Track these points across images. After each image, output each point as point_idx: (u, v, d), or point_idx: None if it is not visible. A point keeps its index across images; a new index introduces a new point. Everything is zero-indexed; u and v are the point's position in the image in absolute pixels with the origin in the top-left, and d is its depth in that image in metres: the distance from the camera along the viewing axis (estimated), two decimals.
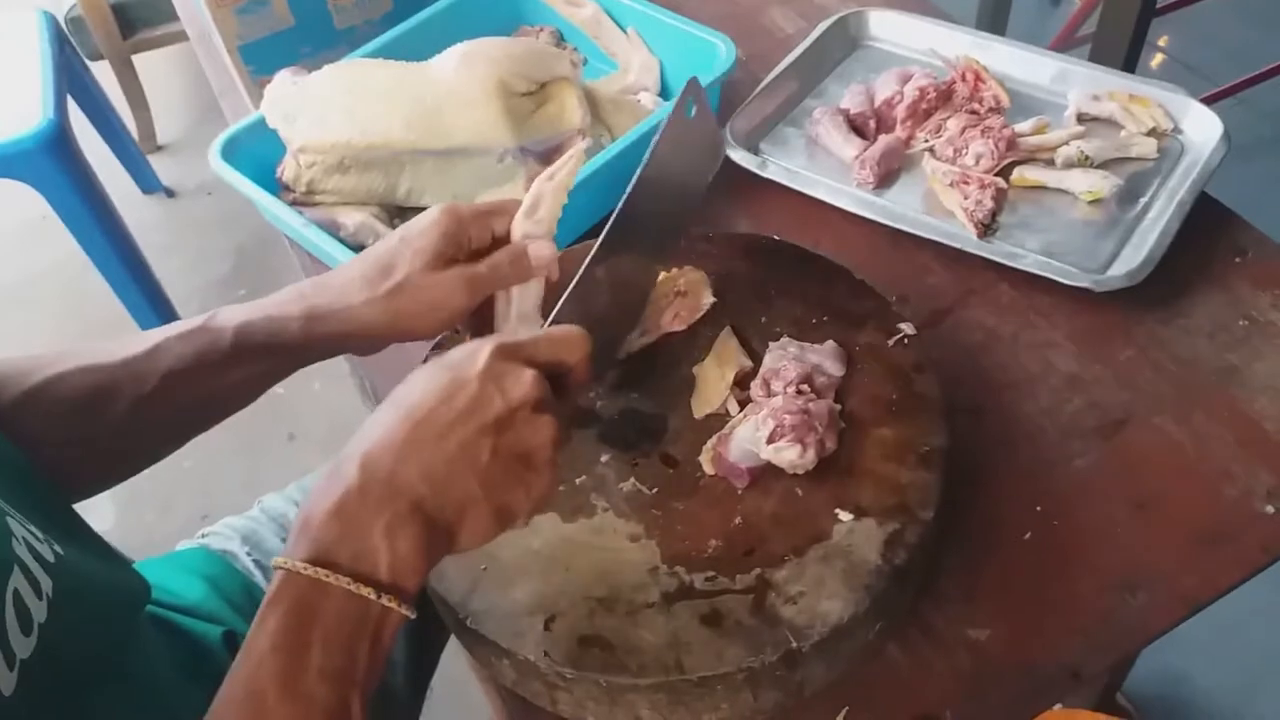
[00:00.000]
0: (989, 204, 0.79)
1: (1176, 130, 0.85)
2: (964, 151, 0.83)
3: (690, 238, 0.74)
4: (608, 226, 0.61)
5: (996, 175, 0.82)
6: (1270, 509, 0.64)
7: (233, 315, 0.62)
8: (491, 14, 1.01)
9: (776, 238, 0.75)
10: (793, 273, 0.72)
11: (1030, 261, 0.75)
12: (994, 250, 0.77)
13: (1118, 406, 0.70)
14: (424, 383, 0.49)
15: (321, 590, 0.44)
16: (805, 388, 0.63)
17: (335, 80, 0.85)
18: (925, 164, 0.84)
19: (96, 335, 1.82)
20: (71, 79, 1.86)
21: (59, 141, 1.60)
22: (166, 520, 1.68)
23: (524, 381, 0.50)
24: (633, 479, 0.63)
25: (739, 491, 0.61)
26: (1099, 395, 0.71)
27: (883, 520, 0.58)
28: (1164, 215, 0.77)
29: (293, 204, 0.87)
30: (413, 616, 0.46)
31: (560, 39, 1.01)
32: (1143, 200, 0.81)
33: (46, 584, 0.51)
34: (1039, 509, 0.65)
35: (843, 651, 0.57)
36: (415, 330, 0.63)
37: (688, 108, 0.66)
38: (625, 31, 0.96)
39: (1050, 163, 0.83)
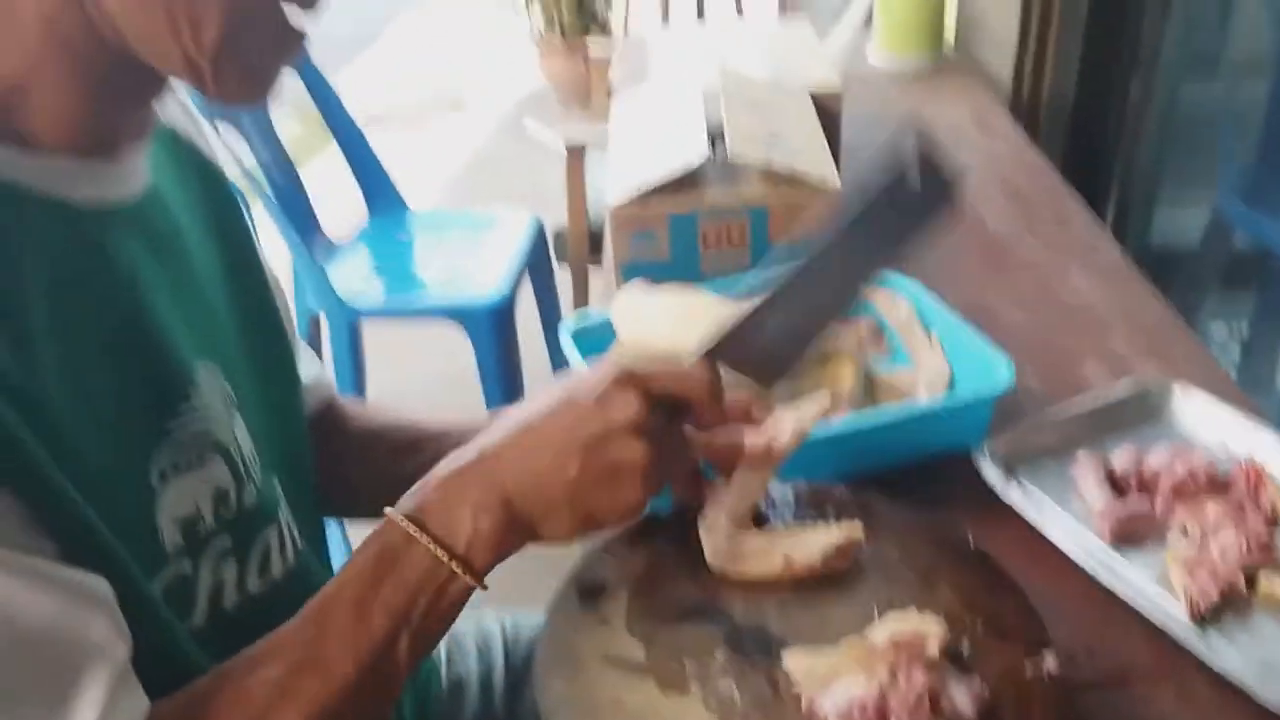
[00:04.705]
0: (1214, 595, 0.76)
1: None
2: (1212, 539, 0.81)
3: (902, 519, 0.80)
4: (793, 273, 0.65)
5: (1241, 575, 0.78)
6: None
7: None
8: None
9: (976, 545, 0.78)
10: (976, 581, 0.75)
11: (1235, 663, 0.71)
12: (1201, 642, 0.73)
13: None
14: (545, 397, 0.60)
15: (408, 542, 0.55)
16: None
17: (671, 296, 1.04)
18: (1171, 540, 0.83)
19: None
20: (537, 272, 2.31)
21: (502, 313, 2.01)
22: None
23: (628, 407, 0.58)
24: (733, 682, 0.68)
25: None
26: None
27: None
28: None
29: None
30: (479, 588, 0.56)
31: (879, 330, 1.13)
32: None
33: (279, 569, 0.68)
34: None
35: None
36: None
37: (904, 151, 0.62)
38: (930, 335, 1.06)
39: None
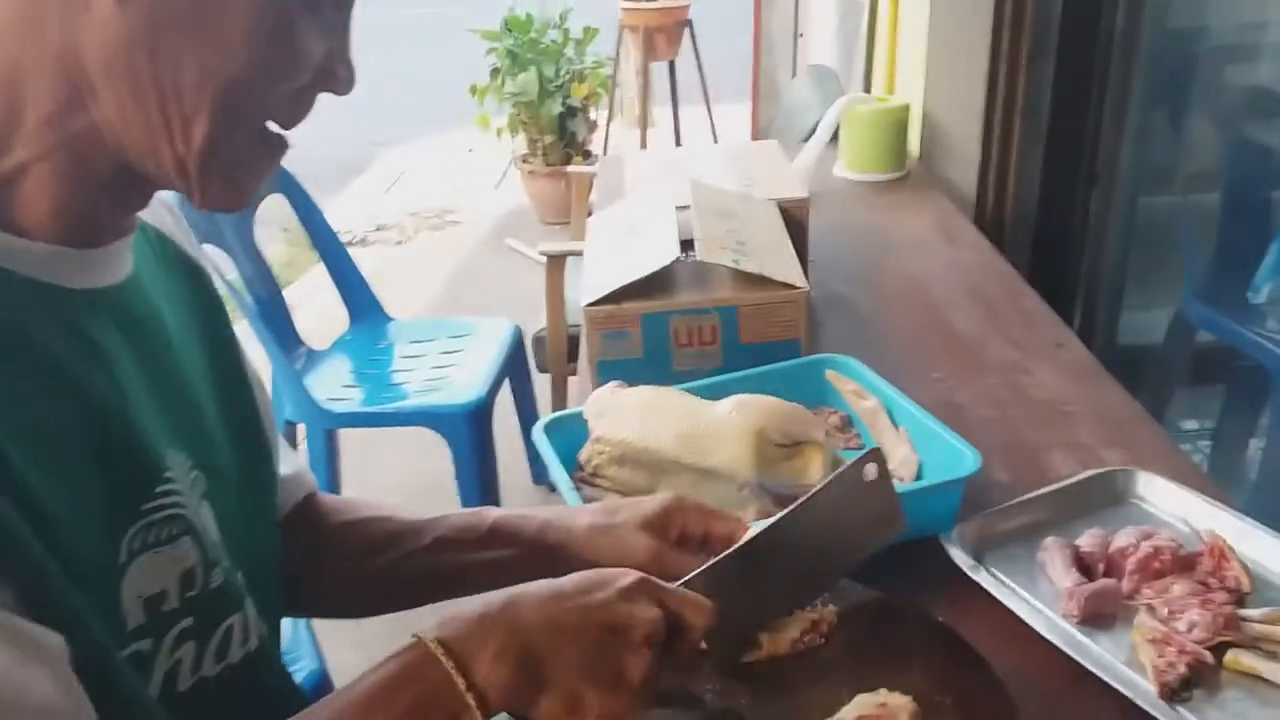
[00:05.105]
0: (1182, 669, 0.76)
1: None
2: (1179, 615, 0.81)
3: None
4: (751, 537, 0.72)
5: (1208, 651, 0.79)
6: None
7: (497, 512, 0.82)
8: (800, 391, 1.17)
9: (944, 623, 0.78)
10: (946, 660, 0.75)
11: None
12: (1171, 717, 0.73)
13: None
14: (580, 574, 0.63)
15: (433, 664, 0.57)
16: None
17: (643, 396, 1.06)
18: (1138, 618, 0.83)
19: None
20: (515, 378, 2.34)
21: (477, 416, 2.02)
22: None
23: (650, 612, 0.61)
24: None
25: None
26: None
27: None
28: None
29: (578, 480, 1.06)
30: None
31: (849, 424, 1.15)
32: None
33: (238, 654, 0.68)
34: None
35: None
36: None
37: (864, 471, 0.76)
38: (898, 428, 1.08)
39: (1273, 655, 0.78)
